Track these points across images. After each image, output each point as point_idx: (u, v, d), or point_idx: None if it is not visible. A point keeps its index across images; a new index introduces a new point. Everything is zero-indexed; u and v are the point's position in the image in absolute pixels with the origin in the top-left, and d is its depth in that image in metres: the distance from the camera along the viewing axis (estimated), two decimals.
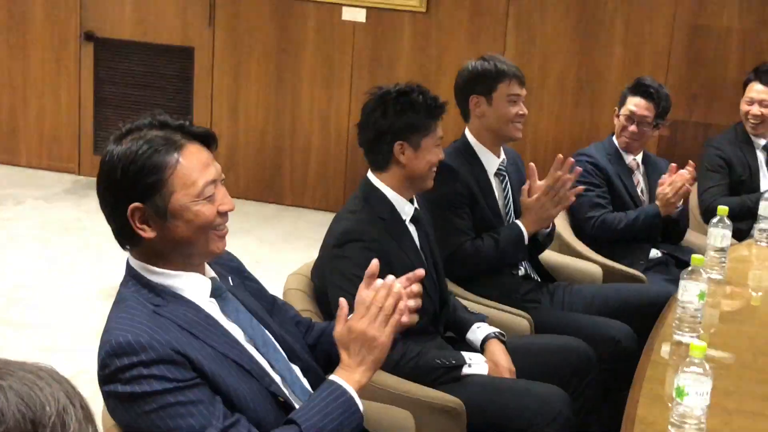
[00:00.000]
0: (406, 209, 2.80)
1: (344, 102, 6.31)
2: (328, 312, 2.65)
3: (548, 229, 3.30)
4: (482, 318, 2.95)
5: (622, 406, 2.26)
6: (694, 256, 2.64)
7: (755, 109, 4.37)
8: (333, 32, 6.26)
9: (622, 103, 3.99)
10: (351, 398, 1.87)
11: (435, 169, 2.79)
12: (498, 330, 2.88)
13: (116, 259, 5.03)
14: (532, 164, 3.24)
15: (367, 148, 2.82)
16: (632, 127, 3.93)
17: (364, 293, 1.94)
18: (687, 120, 5.72)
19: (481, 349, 2.83)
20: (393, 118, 2.73)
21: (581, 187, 3.25)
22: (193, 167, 1.86)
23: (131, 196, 1.82)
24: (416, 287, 2.05)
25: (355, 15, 6.19)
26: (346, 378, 1.89)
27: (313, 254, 2.91)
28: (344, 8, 6.18)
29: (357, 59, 6.23)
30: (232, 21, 6.43)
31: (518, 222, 3.20)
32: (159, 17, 6.53)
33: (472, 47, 5.96)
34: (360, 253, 2.56)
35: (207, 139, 1.95)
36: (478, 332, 2.87)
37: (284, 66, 6.40)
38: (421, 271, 2.06)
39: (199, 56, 6.51)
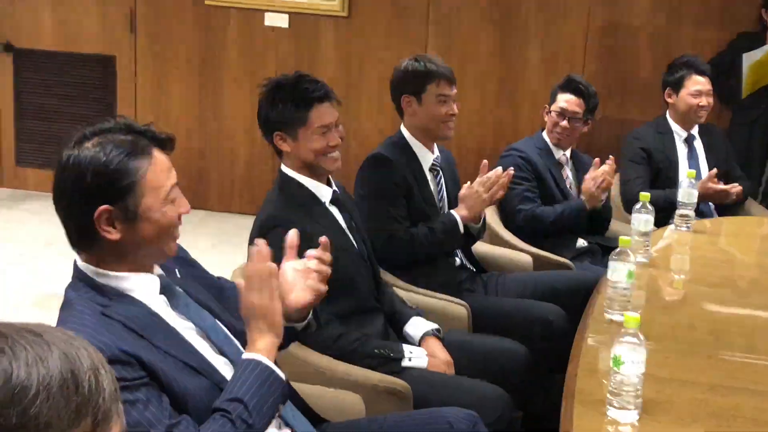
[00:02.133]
0: (322, 192, 2.85)
1: None
2: None
3: (480, 222, 3.41)
4: (419, 312, 3.03)
5: (559, 385, 2.37)
6: (621, 237, 2.77)
7: (704, 101, 4.49)
8: (256, 38, 6.30)
9: (552, 99, 4.13)
10: (265, 365, 1.92)
11: (331, 153, 2.79)
12: (436, 326, 2.96)
13: (47, 269, 5.04)
14: (485, 161, 3.36)
15: (264, 138, 2.88)
16: (563, 123, 4.07)
17: (248, 268, 2.00)
18: (602, 116, 5.90)
19: (419, 344, 2.92)
20: (267, 110, 2.80)
21: (511, 171, 3.38)
22: (160, 171, 1.92)
23: (101, 199, 1.86)
24: (325, 256, 2.13)
25: (277, 21, 6.24)
26: (253, 350, 1.94)
27: (243, 258, 2.96)
28: (266, 14, 6.23)
29: (281, 64, 6.27)
30: (153, 28, 6.41)
31: (453, 212, 3.30)
32: (79, 26, 6.47)
33: (394, 50, 6.07)
34: (283, 238, 2.61)
35: (168, 144, 2.00)
36: (416, 328, 2.95)
37: (208, 72, 6.41)
38: (324, 238, 2.14)
39: (121, 64, 6.48)
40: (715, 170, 4.31)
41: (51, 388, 0.98)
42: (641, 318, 2.12)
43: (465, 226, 3.33)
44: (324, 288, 2.11)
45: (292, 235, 2.14)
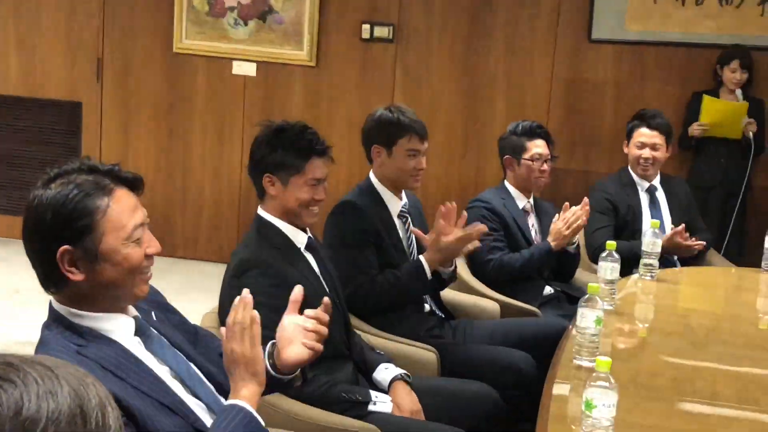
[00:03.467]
0: (299, 238, 2.86)
1: (236, 155, 6.37)
2: None
3: (452, 268, 3.42)
4: (388, 359, 3.04)
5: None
6: (590, 284, 2.81)
7: (647, 153, 4.59)
8: (224, 86, 6.34)
9: (520, 149, 4.17)
10: (248, 412, 1.91)
11: (313, 207, 2.83)
12: (404, 371, 2.97)
13: (15, 316, 4.96)
14: (453, 205, 3.35)
15: (249, 176, 2.89)
16: (544, 167, 4.15)
17: (229, 317, 1.99)
18: (567, 168, 6.00)
19: (388, 389, 2.92)
20: (265, 152, 2.81)
21: (483, 227, 3.40)
22: (123, 211, 1.90)
23: (61, 239, 1.84)
24: (324, 317, 2.14)
25: (245, 69, 6.28)
26: (237, 397, 1.94)
27: (209, 303, 2.96)
28: (234, 62, 6.28)
29: (248, 112, 6.32)
30: (120, 75, 6.43)
31: (421, 257, 3.32)
32: (45, 72, 6.47)
33: (362, 100, 6.15)
34: (258, 280, 2.61)
35: (134, 184, 2.00)
36: (385, 373, 2.95)
37: (175, 120, 6.43)
38: (327, 299, 2.15)
39: (87, 111, 6.48)
40: (683, 226, 4.37)
41: (59, 423, 0.99)
42: None
43: (435, 271, 3.34)
44: (320, 348, 2.12)
45: (297, 291, 2.14)
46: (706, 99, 5.43)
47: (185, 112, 6.40)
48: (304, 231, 2.90)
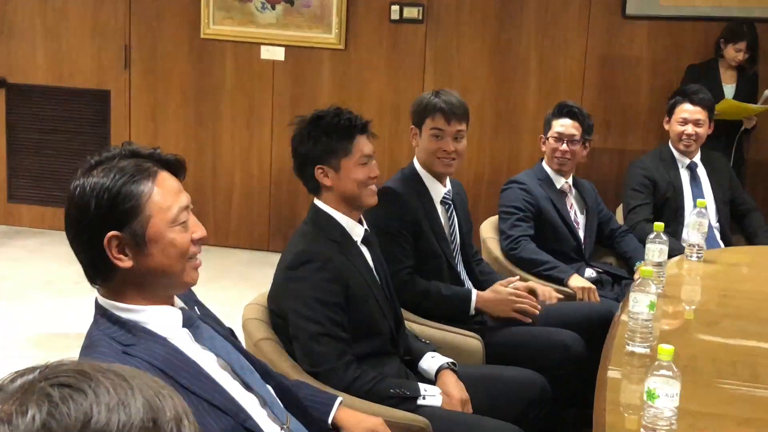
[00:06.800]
0: (356, 231, 2.82)
1: (266, 140, 6.32)
2: (288, 338, 2.65)
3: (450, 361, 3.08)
4: (434, 348, 2.98)
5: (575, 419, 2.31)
6: (642, 268, 2.73)
7: (689, 129, 4.49)
8: (252, 71, 6.28)
9: (547, 128, 4.11)
10: None
11: (371, 185, 2.80)
12: (450, 360, 2.91)
13: (42, 308, 4.96)
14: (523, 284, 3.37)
15: (298, 176, 2.85)
16: (563, 147, 4.04)
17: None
18: (603, 147, 5.90)
19: (435, 378, 2.86)
20: (309, 145, 2.76)
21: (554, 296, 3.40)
22: (167, 193, 1.86)
23: (107, 225, 1.79)
24: None
25: (273, 53, 6.22)
26: None
27: (245, 291, 2.91)
28: (263, 47, 6.21)
29: (277, 97, 6.26)
30: (148, 63, 6.38)
31: (474, 291, 3.28)
32: (73, 61, 6.44)
33: (391, 82, 6.07)
34: (315, 275, 2.58)
35: (176, 167, 1.95)
36: (431, 362, 2.90)
37: (203, 106, 6.38)
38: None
39: (116, 99, 6.45)
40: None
41: None
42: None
43: (480, 310, 3.31)
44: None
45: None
46: (733, 103, 5.26)
47: (214, 98, 6.35)
48: (361, 223, 2.85)
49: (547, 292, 3.50)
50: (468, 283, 3.48)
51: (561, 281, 3.78)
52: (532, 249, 3.91)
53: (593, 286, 3.75)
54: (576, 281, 3.77)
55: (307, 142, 2.76)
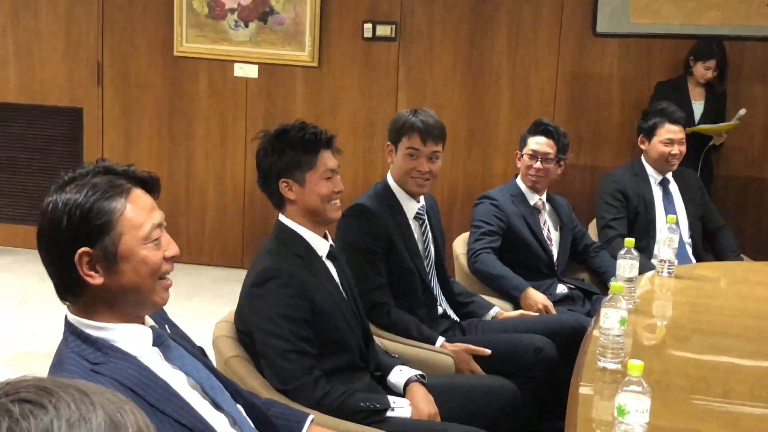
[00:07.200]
0: (321, 246, 2.82)
1: (239, 157, 6.32)
2: (255, 355, 2.65)
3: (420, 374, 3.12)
4: (402, 361, 2.98)
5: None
6: (613, 284, 2.75)
7: (675, 149, 4.50)
8: (225, 89, 6.28)
9: (522, 144, 4.14)
10: None
11: (334, 200, 2.81)
12: (420, 372, 2.91)
13: (18, 327, 4.90)
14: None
15: (263, 190, 2.85)
16: (537, 164, 4.07)
17: None
18: (574, 163, 5.94)
19: (404, 392, 2.87)
20: (274, 158, 2.77)
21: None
22: (140, 210, 1.86)
23: (79, 241, 1.79)
24: None
25: (246, 71, 6.23)
26: None
27: (218, 308, 2.90)
28: (236, 65, 6.22)
29: (251, 115, 6.26)
30: (121, 80, 6.37)
31: (440, 337, 3.28)
32: (45, 79, 6.42)
33: (364, 100, 6.09)
34: (279, 291, 2.58)
35: (151, 184, 1.95)
36: (400, 375, 2.90)
37: (177, 124, 6.37)
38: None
39: (88, 117, 6.42)
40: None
41: None
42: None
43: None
44: None
45: None
46: (702, 128, 5.34)
47: (187, 115, 6.34)
48: (326, 238, 2.85)
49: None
50: (441, 299, 3.49)
51: (515, 298, 3.82)
52: (488, 261, 3.92)
53: (548, 303, 3.77)
54: (528, 299, 3.78)
55: (272, 155, 2.77)
